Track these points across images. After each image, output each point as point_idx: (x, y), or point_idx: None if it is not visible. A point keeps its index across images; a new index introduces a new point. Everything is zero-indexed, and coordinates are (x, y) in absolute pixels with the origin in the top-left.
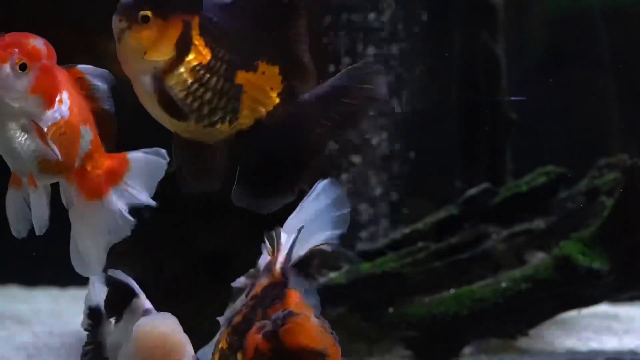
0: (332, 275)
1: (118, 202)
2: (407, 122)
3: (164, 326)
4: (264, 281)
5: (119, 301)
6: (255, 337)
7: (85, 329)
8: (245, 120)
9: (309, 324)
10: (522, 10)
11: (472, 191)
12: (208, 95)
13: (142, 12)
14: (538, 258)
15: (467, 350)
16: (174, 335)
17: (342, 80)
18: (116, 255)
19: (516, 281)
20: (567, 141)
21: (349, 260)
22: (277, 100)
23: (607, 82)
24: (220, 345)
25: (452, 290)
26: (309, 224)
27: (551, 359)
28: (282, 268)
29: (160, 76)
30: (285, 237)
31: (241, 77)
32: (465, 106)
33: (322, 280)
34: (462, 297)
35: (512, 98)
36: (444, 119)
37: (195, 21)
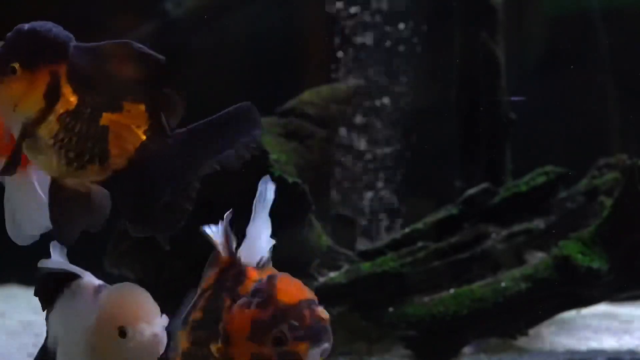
0: (332, 274)
1: (35, 176)
2: (406, 122)
3: (132, 289)
4: (211, 272)
5: (51, 290)
6: (244, 313)
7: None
8: (117, 159)
9: (293, 279)
10: (522, 11)
11: (472, 191)
12: (74, 139)
13: (10, 65)
14: (537, 258)
15: (466, 349)
16: (144, 296)
17: (219, 119)
18: (116, 255)
19: (516, 281)
20: (567, 141)
21: (348, 260)
22: (144, 137)
23: (606, 82)
24: (182, 349)
25: (452, 290)
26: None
27: (550, 358)
28: (229, 251)
29: (31, 128)
30: (217, 228)
31: (106, 118)
32: (464, 106)
33: (322, 280)
34: (461, 296)
35: (512, 98)
36: (443, 119)
37: (63, 69)
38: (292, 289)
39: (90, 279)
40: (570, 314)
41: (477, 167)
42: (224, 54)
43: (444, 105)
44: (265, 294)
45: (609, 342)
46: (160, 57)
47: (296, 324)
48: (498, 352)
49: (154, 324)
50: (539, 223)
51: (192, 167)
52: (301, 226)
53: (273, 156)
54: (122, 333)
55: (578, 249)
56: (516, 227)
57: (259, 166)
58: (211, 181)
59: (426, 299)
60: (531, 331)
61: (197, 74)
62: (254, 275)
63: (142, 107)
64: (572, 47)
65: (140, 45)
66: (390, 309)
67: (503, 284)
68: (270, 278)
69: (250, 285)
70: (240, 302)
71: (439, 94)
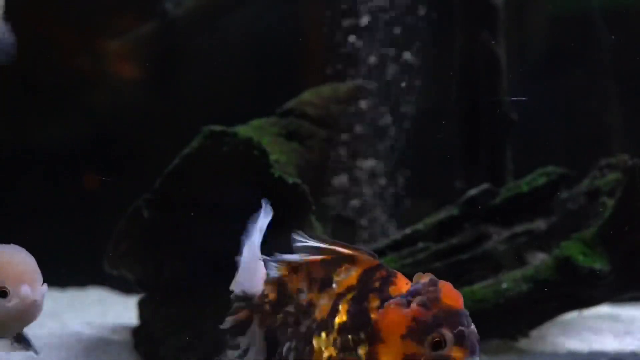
0: None
1: None
2: (407, 122)
3: (19, 253)
4: (346, 274)
5: None
6: (401, 312)
7: None
8: None
9: (452, 286)
10: (522, 10)
11: (473, 192)
12: None
13: None
14: (539, 259)
15: None
16: (30, 261)
17: None
18: (117, 256)
19: (517, 282)
20: (568, 141)
21: None
22: None
23: (607, 82)
24: (326, 356)
25: None
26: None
27: None
28: (369, 253)
29: None
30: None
31: None
32: (465, 106)
33: None
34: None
35: (513, 98)
36: (444, 119)
37: None
38: (455, 295)
39: None
40: (572, 315)
41: (478, 167)
42: (223, 53)
43: (445, 105)
44: (429, 295)
45: (610, 344)
46: None
47: (460, 330)
48: (499, 353)
49: (35, 290)
50: (540, 224)
51: None
52: (301, 227)
53: (273, 156)
54: (3, 293)
55: (579, 250)
56: (517, 228)
57: (259, 166)
58: (211, 181)
59: None
60: (532, 332)
61: (196, 73)
62: (402, 278)
63: None
64: (573, 47)
65: None
66: None
67: (504, 285)
68: (433, 281)
69: (403, 287)
70: (395, 300)
71: (439, 94)
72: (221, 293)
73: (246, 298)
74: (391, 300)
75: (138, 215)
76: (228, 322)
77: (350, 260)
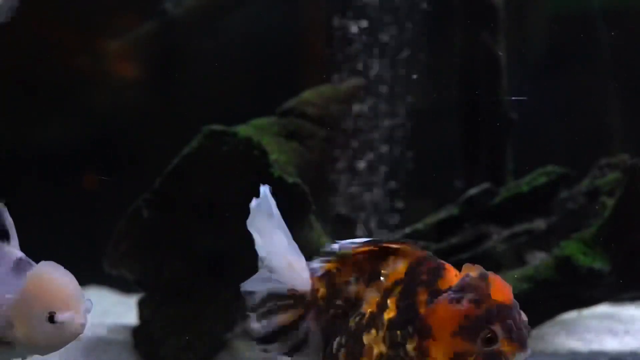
0: None
1: None
2: (407, 121)
3: (62, 274)
4: (393, 267)
5: None
6: (453, 308)
7: None
8: None
9: (502, 279)
10: (522, 10)
11: (473, 191)
12: None
13: None
14: (539, 258)
15: None
16: (73, 282)
17: None
18: (117, 256)
19: (517, 281)
20: (568, 141)
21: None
22: None
23: (607, 82)
24: (376, 353)
25: None
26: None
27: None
28: (417, 244)
29: None
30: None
31: None
32: (465, 106)
33: None
34: None
35: (513, 98)
36: (444, 118)
37: None
38: (505, 289)
39: (13, 248)
40: (572, 315)
41: (478, 167)
42: (223, 53)
43: (445, 105)
44: (479, 290)
45: (610, 344)
46: None
47: (510, 324)
48: None
49: (80, 312)
50: (540, 223)
51: None
52: (301, 227)
53: (273, 156)
54: (51, 318)
55: (579, 250)
56: (517, 228)
57: (259, 166)
58: (211, 181)
59: None
60: (532, 332)
61: (196, 73)
62: (451, 269)
63: None
64: (573, 47)
65: None
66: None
67: None
68: (483, 274)
69: (451, 279)
70: (446, 296)
71: (440, 94)
72: (221, 293)
73: (298, 296)
74: (441, 296)
75: (138, 215)
76: (274, 322)
77: (397, 252)
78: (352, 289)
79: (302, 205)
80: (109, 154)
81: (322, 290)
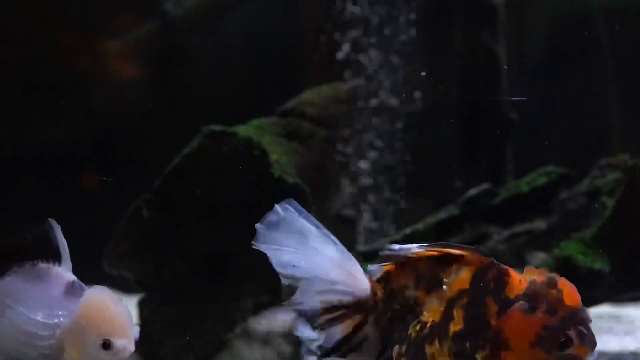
0: None
1: None
2: (407, 122)
3: (115, 300)
4: (457, 276)
5: (15, 255)
6: (529, 319)
7: None
8: None
9: (568, 281)
10: (522, 10)
11: (473, 191)
12: None
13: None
14: (539, 258)
15: None
16: (126, 308)
17: None
18: (117, 256)
19: None
20: (568, 141)
21: None
22: None
23: (607, 82)
24: None
25: None
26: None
27: None
28: (479, 250)
29: None
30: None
31: None
32: (465, 106)
33: None
34: None
35: (513, 98)
36: (444, 118)
37: None
38: (574, 293)
39: (65, 271)
40: None
41: (478, 167)
42: (223, 53)
43: (445, 105)
44: (552, 297)
45: (611, 344)
46: None
47: (582, 328)
48: None
49: (132, 339)
50: (540, 223)
51: None
52: None
53: (273, 156)
54: (106, 345)
55: (579, 250)
56: (517, 228)
57: (259, 166)
58: (211, 181)
59: None
60: None
61: (196, 73)
62: (515, 274)
63: None
64: (573, 47)
65: None
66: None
67: None
68: (552, 282)
69: (517, 285)
70: (519, 305)
71: (440, 94)
72: (221, 293)
73: (358, 303)
74: (514, 306)
75: (138, 215)
76: (336, 333)
77: (460, 259)
78: (410, 293)
79: (302, 205)
80: (109, 154)
81: (380, 293)
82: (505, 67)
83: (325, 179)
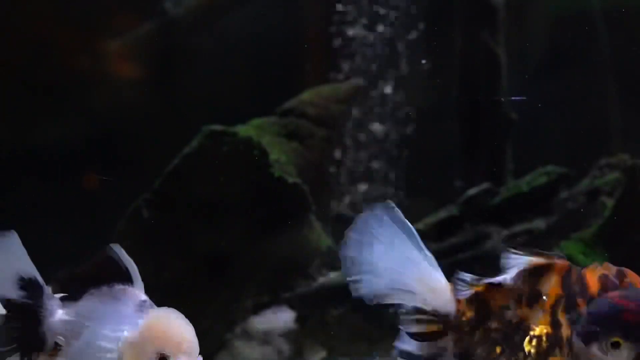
0: (332, 274)
1: None
2: (407, 121)
3: (181, 319)
4: (549, 285)
5: (93, 279)
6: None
7: (10, 300)
8: None
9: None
10: (522, 10)
11: (473, 191)
12: None
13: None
14: None
15: None
16: (190, 329)
17: None
18: None
19: None
20: (568, 141)
21: None
22: None
23: (607, 82)
24: None
25: None
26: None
27: None
28: (559, 255)
29: None
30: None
31: None
32: (465, 106)
33: (322, 280)
34: None
35: (512, 98)
36: (444, 118)
37: None
38: (637, 279)
39: (136, 291)
40: None
41: (478, 167)
42: (223, 53)
43: (445, 105)
44: (627, 285)
45: None
46: None
47: None
48: None
49: (191, 358)
50: (540, 223)
51: None
52: (301, 226)
53: (273, 156)
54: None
55: (579, 250)
56: (517, 228)
57: (259, 166)
58: (211, 181)
59: None
60: None
61: (196, 73)
62: (590, 273)
63: None
64: (573, 47)
65: None
66: (391, 309)
67: None
68: (620, 271)
69: (593, 282)
70: (617, 293)
71: (440, 94)
72: (221, 293)
73: (439, 316)
74: (612, 295)
75: (138, 215)
76: (413, 327)
77: (548, 267)
78: (512, 313)
79: (302, 205)
80: (109, 154)
81: (468, 314)
82: (505, 67)
83: (325, 179)
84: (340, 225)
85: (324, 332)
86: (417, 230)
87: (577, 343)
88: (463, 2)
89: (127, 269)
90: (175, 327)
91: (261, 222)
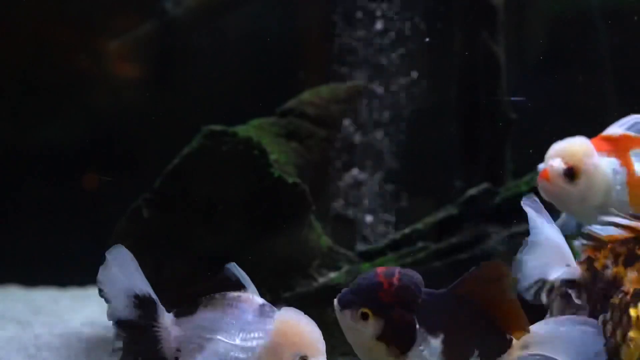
0: (332, 275)
1: None
2: (407, 121)
3: (307, 320)
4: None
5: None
6: None
7: (125, 320)
8: None
9: None
10: (522, 10)
11: (472, 191)
12: None
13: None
14: None
15: None
16: (318, 329)
17: None
18: None
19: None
20: None
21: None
22: None
23: (607, 82)
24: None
25: None
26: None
27: None
28: None
29: None
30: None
31: None
32: (465, 106)
33: (322, 280)
34: None
35: (512, 98)
36: (444, 118)
37: None
38: None
39: (252, 295)
40: None
41: (477, 167)
42: (223, 53)
43: (444, 105)
44: None
45: None
46: None
47: None
48: None
49: (324, 357)
50: None
51: None
52: (301, 226)
53: (273, 156)
54: None
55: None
56: (517, 228)
57: (259, 166)
58: (211, 181)
59: None
60: None
61: (196, 73)
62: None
63: None
64: (572, 47)
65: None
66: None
67: None
68: None
69: None
70: None
71: (439, 94)
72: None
73: (568, 282)
74: None
75: (138, 215)
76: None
77: None
78: (610, 272)
79: (302, 205)
80: (109, 154)
81: (586, 274)
82: (505, 67)
83: (325, 179)
84: (340, 225)
85: (324, 332)
86: (417, 230)
87: None
88: (463, 2)
89: (237, 277)
90: (308, 328)
91: (261, 222)
